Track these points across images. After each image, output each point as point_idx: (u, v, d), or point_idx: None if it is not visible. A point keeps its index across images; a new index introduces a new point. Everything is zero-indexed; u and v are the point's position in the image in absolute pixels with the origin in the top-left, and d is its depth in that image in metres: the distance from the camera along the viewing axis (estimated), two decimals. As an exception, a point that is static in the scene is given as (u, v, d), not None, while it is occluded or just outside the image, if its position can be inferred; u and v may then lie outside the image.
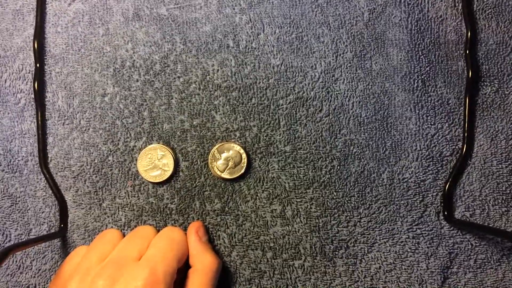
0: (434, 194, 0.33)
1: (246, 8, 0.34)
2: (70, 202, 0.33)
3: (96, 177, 0.33)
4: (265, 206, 0.33)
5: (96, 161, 0.33)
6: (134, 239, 0.30)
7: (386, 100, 0.34)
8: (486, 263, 0.33)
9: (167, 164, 0.33)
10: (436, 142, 0.34)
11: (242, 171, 0.33)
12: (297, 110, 0.34)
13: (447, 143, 0.34)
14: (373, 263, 0.33)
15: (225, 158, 0.33)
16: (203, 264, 0.30)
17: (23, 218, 0.33)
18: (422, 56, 0.34)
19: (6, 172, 0.34)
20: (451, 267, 0.33)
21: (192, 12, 0.34)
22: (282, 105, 0.34)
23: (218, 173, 0.33)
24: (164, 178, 0.33)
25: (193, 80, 0.34)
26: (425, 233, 0.33)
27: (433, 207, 0.33)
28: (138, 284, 0.26)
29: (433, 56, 0.34)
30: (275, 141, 0.33)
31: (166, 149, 0.33)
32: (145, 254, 0.28)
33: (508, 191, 0.33)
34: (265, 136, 0.33)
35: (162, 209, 0.33)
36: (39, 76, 0.34)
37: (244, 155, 0.33)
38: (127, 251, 0.29)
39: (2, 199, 0.34)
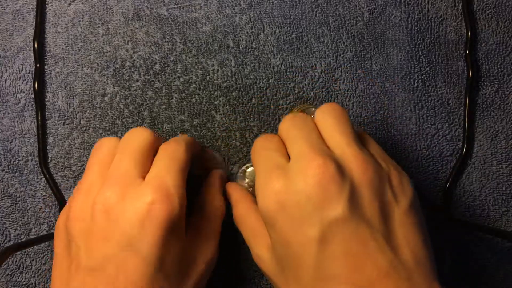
0: (434, 194, 0.33)
1: (246, 8, 0.34)
2: (70, 202, 0.33)
3: (96, 177, 0.33)
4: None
5: (96, 161, 0.33)
6: (132, 154, 0.27)
7: (386, 100, 0.34)
8: (486, 263, 0.33)
9: None
10: (436, 142, 0.34)
11: None
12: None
13: (447, 143, 0.34)
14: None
15: None
16: (215, 207, 0.30)
17: (23, 218, 0.33)
18: (422, 56, 0.34)
19: (6, 172, 0.34)
20: (451, 267, 0.33)
21: (192, 12, 0.34)
22: (282, 105, 0.34)
23: None
24: None
25: (193, 80, 0.34)
26: (425, 233, 0.33)
27: (433, 207, 0.33)
28: (147, 199, 0.24)
29: (433, 56, 0.34)
30: (275, 141, 0.33)
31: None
32: (148, 175, 0.26)
33: (508, 191, 0.33)
34: (265, 136, 0.33)
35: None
36: (39, 76, 0.34)
37: None
38: (128, 169, 0.26)
39: (2, 199, 0.34)
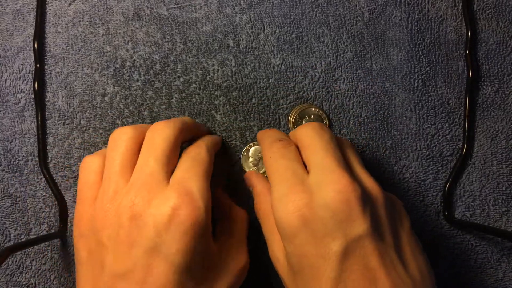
0: (434, 194, 0.33)
1: (246, 8, 0.34)
2: (70, 202, 0.33)
3: (96, 177, 0.33)
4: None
5: (96, 161, 0.33)
6: (159, 154, 0.26)
7: (386, 100, 0.34)
8: (486, 263, 0.33)
9: None
10: (436, 142, 0.34)
11: None
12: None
13: (447, 143, 0.34)
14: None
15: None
16: (238, 209, 0.31)
17: (23, 218, 0.33)
18: (422, 56, 0.34)
19: (6, 172, 0.34)
20: (452, 267, 0.33)
21: (192, 12, 0.34)
22: (282, 105, 0.34)
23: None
24: None
25: (193, 80, 0.34)
26: (425, 233, 0.33)
27: (433, 207, 0.33)
28: (171, 204, 0.24)
29: (433, 56, 0.34)
30: (275, 141, 0.33)
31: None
32: (172, 178, 0.26)
33: (508, 191, 0.33)
34: (265, 136, 0.33)
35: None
36: (39, 76, 0.34)
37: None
38: (155, 171, 0.26)
39: (2, 199, 0.34)
